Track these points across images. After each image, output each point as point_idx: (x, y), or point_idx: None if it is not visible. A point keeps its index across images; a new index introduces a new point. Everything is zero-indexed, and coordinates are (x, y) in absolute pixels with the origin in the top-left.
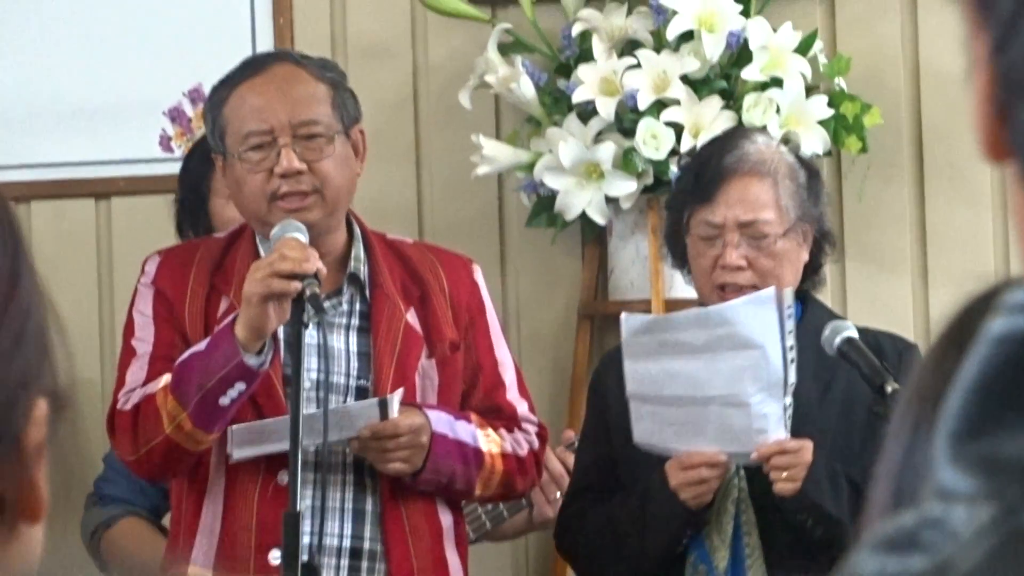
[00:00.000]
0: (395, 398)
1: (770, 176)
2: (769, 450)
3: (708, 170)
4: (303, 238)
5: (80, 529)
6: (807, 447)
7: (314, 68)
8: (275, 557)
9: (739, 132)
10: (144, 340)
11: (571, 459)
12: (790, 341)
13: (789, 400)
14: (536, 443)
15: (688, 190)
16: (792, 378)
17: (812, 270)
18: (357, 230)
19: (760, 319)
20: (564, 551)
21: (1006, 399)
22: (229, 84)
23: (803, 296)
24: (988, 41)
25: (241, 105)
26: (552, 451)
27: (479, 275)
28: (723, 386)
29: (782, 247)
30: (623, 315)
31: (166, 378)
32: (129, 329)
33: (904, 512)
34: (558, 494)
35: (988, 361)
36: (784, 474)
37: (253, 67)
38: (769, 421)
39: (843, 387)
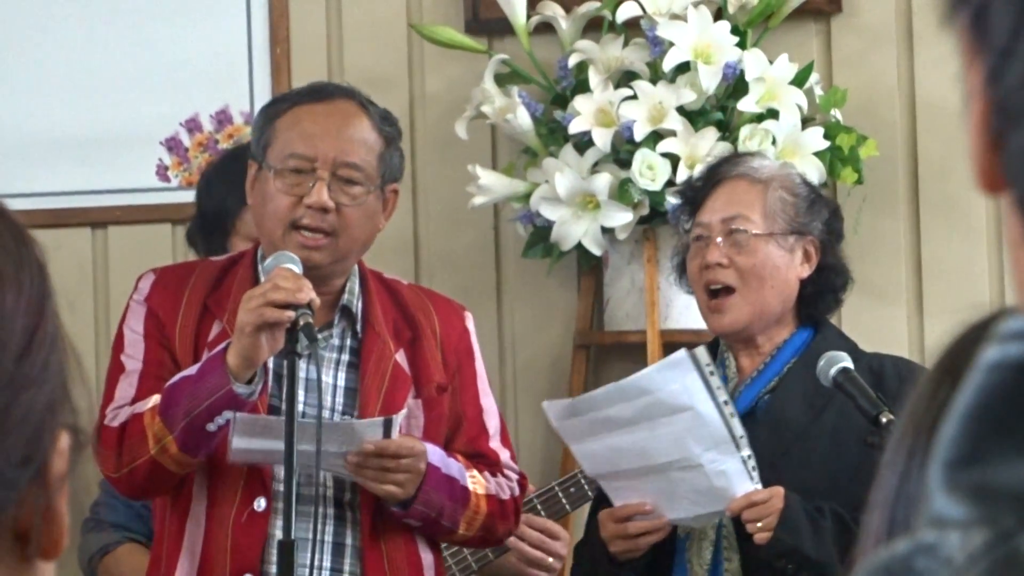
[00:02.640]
0: (398, 419)
1: (762, 183)
2: (739, 504)
3: (703, 180)
4: (296, 269)
5: (77, 555)
6: (777, 494)
7: (375, 117)
8: None
9: (745, 152)
10: (134, 357)
11: (537, 520)
12: (722, 396)
13: (747, 452)
14: (517, 490)
15: (685, 202)
16: (739, 431)
17: (819, 295)
18: (355, 266)
19: (678, 382)
20: None
21: (1000, 427)
22: (290, 100)
23: (815, 322)
24: (983, 70)
25: (294, 124)
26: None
27: (471, 323)
28: (670, 452)
29: (766, 251)
30: (544, 404)
31: (155, 399)
32: (119, 344)
33: (898, 540)
34: (550, 559)
35: (982, 389)
36: (758, 524)
37: (319, 93)
38: (729, 478)
39: (835, 415)
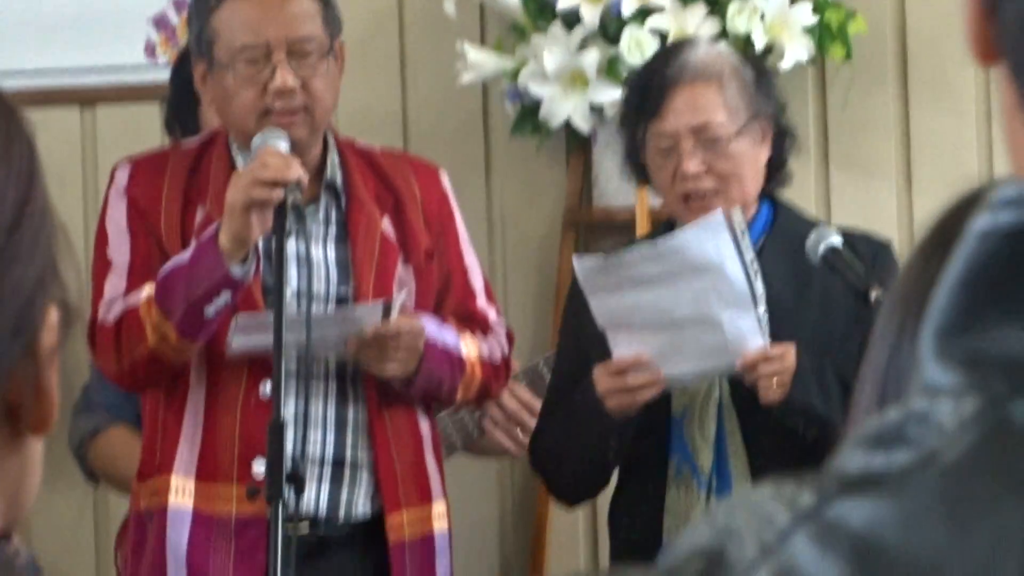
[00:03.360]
0: (398, 301)
1: (715, 79)
2: (753, 358)
3: (652, 84)
4: (284, 147)
5: (67, 436)
6: (790, 351)
7: None
8: (259, 466)
9: (679, 44)
10: (120, 251)
11: (521, 391)
12: (749, 255)
13: (763, 309)
14: (506, 348)
15: (636, 106)
16: (760, 289)
17: (776, 168)
18: (331, 139)
19: (712, 242)
20: (535, 466)
21: (990, 294)
22: None
23: (772, 200)
24: None
25: (233, 16)
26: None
27: (447, 182)
28: (690, 308)
29: (738, 148)
30: (574, 258)
31: (148, 289)
32: (102, 239)
33: (890, 409)
34: (519, 431)
35: (972, 257)
36: (772, 381)
37: None
38: (745, 334)
39: (819, 290)
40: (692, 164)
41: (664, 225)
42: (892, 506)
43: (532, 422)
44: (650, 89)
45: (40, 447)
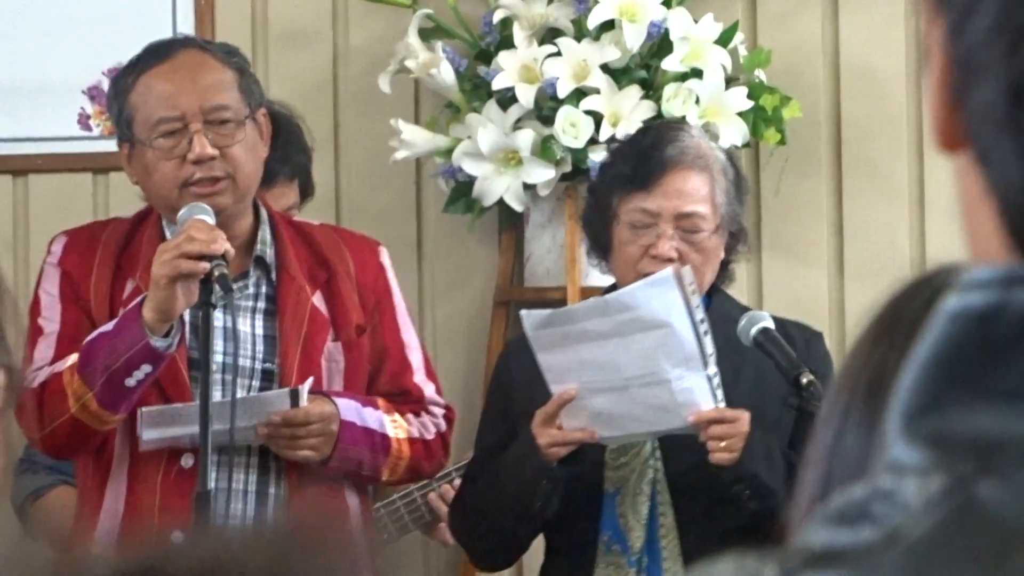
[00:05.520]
0: (305, 388)
1: (708, 171)
2: (707, 416)
3: (650, 159)
4: (210, 220)
5: (10, 497)
6: (744, 417)
7: (220, 54)
8: (177, 540)
9: (676, 124)
10: (51, 319)
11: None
12: (699, 314)
13: (714, 370)
14: (443, 425)
15: (624, 176)
16: (710, 348)
17: (723, 266)
18: (264, 213)
19: (660, 299)
20: (455, 530)
21: (959, 376)
22: (134, 71)
23: (710, 288)
24: (944, 26)
25: (149, 92)
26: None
27: (386, 257)
28: (638, 367)
29: (711, 244)
30: (522, 313)
31: (73, 358)
32: (36, 308)
33: (856, 487)
34: None
35: (941, 338)
36: (722, 443)
37: (158, 54)
38: (694, 394)
39: (752, 374)
40: (667, 248)
41: (604, 293)
42: None
43: None
44: (645, 164)
45: None
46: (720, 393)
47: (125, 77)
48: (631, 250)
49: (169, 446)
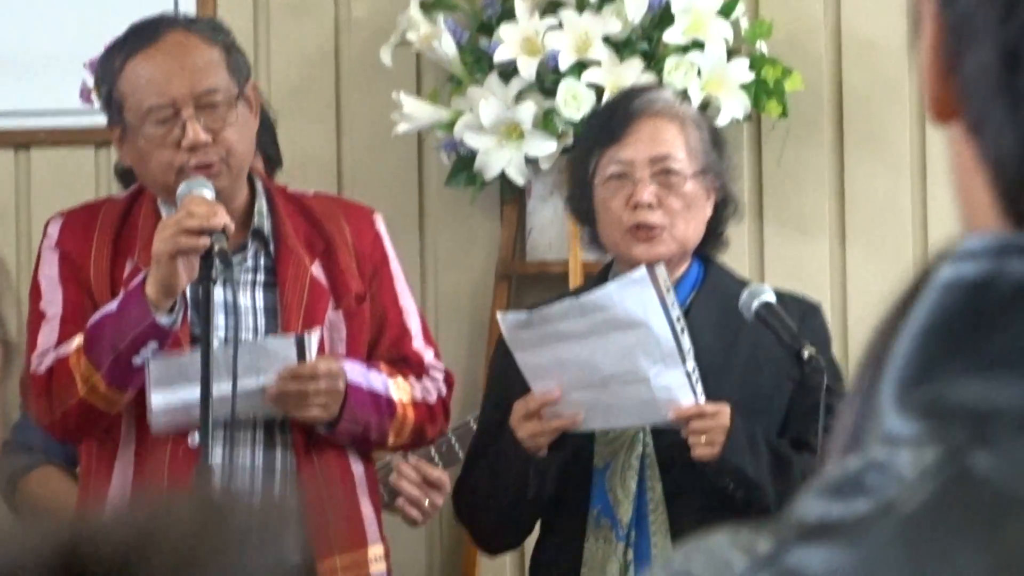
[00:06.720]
0: (313, 338)
1: (678, 119)
2: (687, 412)
3: (617, 113)
4: (209, 194)
5: None
6: (724, 411)
7: (206, 32)
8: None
9: (645, 85)
10: (52, 303)
11: (430, 469)
12: (675, 312)
13: (692, 365)
14: (444, 390)
15: (596, 134)
16: (687, 344)
17: (714, 233)
18: (259, 185)
19: (635, 298)
20: (459, 514)
21: (952, 345)
22: (121, 55)
23: (704, 259)
24: None
25: (138, 78)
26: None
27: (381, 224)
28: (616, 365)
29: (691, 190)
30: (499, 314)
31: (78, 340)
32: (36, 293)
33: (850, 458)
34: (427, 502)
35: (934, 308)
36: (703, 438)
37: (144, 36)
38: (673, 391)
39: (747, 349)
40: (647, 193)
41: (597, 276)
42: (850, 554)
43: (435, 496)
44: (613, 117)
45: None
46: (700, 388)
47: (112, 60)
48: (613, 205)
49: (180, 426)
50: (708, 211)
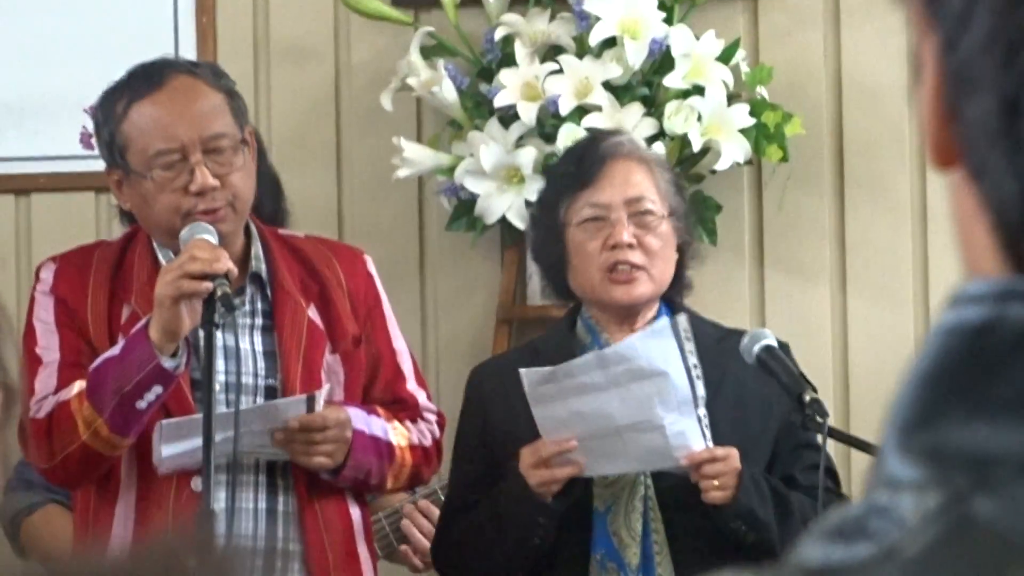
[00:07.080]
0: (322, 394)
1: (646, 162)
2: (700, 457)
3: (587, 157)
4: (212, 239)
5: None
6: (734, 455)
7: (209, 77)
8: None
9: (606, 129)
10: (49, 348)
11: (434, 510)
12: (692, 359)
13: (703, 411)
14: (437, 432)
15: (565, 180)
16: (701, 391)
17: (678, 277)
18: (254, 229)
19: (658, 349)
20: (441, 570)
21: (954, 390)
22: (124, 98)
23: (670, 303)
24: (937, 40)
25: (144, 122)
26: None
27: (372, 266)
28: (633, 414)
29: (665, 230)
30: (521, 371)
31: (79, 384)
32: (31, 338)
33: (852, 504)
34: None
35: (937, 353)
36: (715, 482)
37: (148, 80)
38: (687, 437)
39: (732, 391)
40: (626, 234)
41: (563, 321)
42: None
43: None
44: (582, 162)
45: None
46: (708, 432)
47: (114, 103)
48: (590, 248)
49: (186, 467)
50: (675, 251)
